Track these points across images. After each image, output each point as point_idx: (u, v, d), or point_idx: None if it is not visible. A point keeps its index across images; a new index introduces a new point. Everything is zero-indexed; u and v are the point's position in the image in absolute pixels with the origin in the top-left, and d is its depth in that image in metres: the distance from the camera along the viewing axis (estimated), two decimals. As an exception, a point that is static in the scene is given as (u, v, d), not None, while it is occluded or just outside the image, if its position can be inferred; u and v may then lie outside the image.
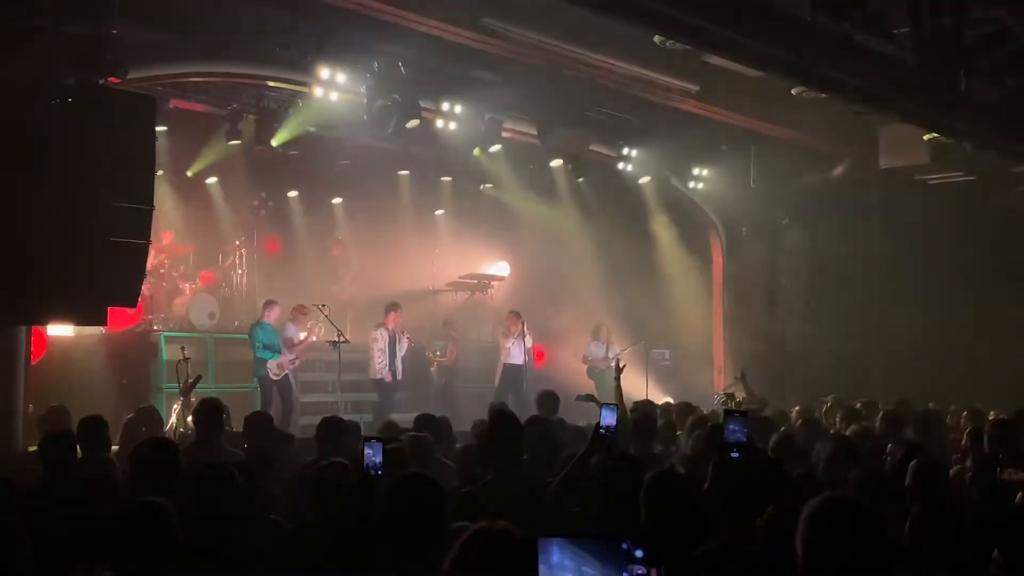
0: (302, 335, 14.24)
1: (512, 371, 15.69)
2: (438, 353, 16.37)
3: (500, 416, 6.20)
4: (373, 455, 5.04)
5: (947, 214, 17.30)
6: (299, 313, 14.47)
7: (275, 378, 13.63)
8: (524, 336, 15.76)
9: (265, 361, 13.60)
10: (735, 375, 12.32)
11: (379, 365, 14.53)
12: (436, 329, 17.12)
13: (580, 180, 17.04)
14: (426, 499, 4.23)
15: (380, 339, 14.51)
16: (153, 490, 5.15)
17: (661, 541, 3.71)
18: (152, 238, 11.34)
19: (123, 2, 10.17)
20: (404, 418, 10.43)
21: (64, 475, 6.27)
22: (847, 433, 8.36)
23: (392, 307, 14.88)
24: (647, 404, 10.47)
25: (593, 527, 4.78)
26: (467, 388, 16.50)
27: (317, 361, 15.59)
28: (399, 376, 14.84)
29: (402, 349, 14.83)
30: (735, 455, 4.59)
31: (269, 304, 14.24)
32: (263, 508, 5.47)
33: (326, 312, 14.33)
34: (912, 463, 5.55)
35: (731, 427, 4.67)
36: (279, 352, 13.76)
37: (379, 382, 14.63)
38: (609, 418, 5.38)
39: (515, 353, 15.74)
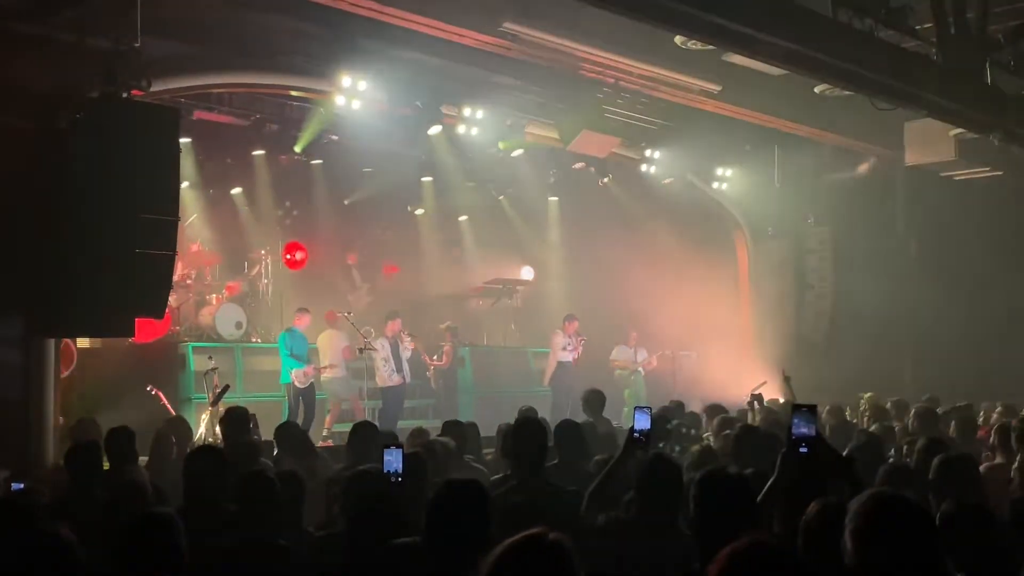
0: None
1: (565, 368, 16.18)
2: (435, 357, 16.50)
3: (523, 422, 6.17)
4: (393, 462, 5.01)
5: (974, 210, 17.11)
6: (330, 319, 14.66)
7: (300, 386, 13.63)
8: (577, 338, 16.30)
9: (291, 369, 13.62)
10: (784, 374, 12.14)
11: (385, 373, 14.60)
12: (439, 334, 17.18)
13: (603, 182, 16.98)
14: (468, 505, 4.14)
15: (381, 349, 14.56)
16: (202, 497, 5.26)
17: (712, 537, 3.65)
18: (178, 249, 11.41)
19: (145, 15, 10.24)
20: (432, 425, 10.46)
21: (90, 486, 6.28)
22: (874, 431, 8.30)
23: (391, 315, 14.99)
24: (675, 406, 10.43)
25: (629, 532, 4.74)
26: (492, 392, 16.63)
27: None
28: (408, 380, 14.98)
29: (406, 352, 14.93)
30: (803, 450, 4.47)
31: (300, 311, 14.29)
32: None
33: (351, 319, 14.34)
34: (937, 458, 5.46)
35: (797, 422, 4.54)
36: (306, 361, 13.79)
37: (387, 390, 14.66)
38: (643, 422, 5.29)
39: (567, 352, 16.24)
